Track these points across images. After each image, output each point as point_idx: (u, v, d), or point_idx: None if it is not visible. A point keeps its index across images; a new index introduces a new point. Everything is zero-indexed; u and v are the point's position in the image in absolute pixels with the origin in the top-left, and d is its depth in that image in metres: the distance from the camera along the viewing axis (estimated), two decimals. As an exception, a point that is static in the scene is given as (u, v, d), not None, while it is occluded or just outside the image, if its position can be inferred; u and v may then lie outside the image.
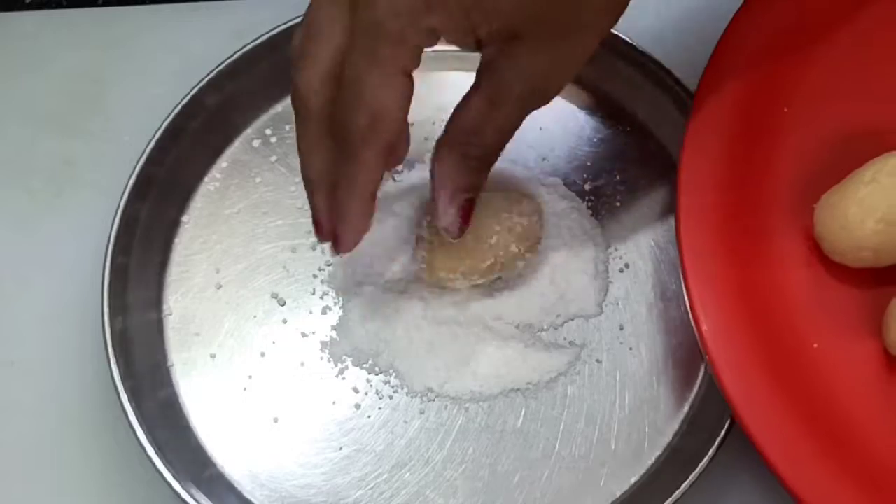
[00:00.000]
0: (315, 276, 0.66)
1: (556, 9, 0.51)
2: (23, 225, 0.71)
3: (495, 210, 0.62)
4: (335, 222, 0.58)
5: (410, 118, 0.68)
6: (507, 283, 0.65)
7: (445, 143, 0.56)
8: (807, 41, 0.64)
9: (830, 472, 0.56)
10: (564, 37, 0.53)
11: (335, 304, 0.66)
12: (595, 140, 0.69)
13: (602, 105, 0.70)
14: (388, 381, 0.64)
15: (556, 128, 0.69)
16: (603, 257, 0.66)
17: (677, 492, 0.58)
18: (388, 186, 0.67)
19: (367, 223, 0.58)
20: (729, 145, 0.61)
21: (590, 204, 0.67)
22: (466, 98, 0.55)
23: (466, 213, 0.58)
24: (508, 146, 0.59)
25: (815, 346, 0.59)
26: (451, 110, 0.55)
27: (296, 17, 0.69)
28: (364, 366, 0.64)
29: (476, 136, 0.55)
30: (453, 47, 0.69)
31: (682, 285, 0.59)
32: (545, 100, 0.55)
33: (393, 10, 0.50)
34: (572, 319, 0.65)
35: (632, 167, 0.68)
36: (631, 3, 0.54)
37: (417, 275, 0.64)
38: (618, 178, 0.68)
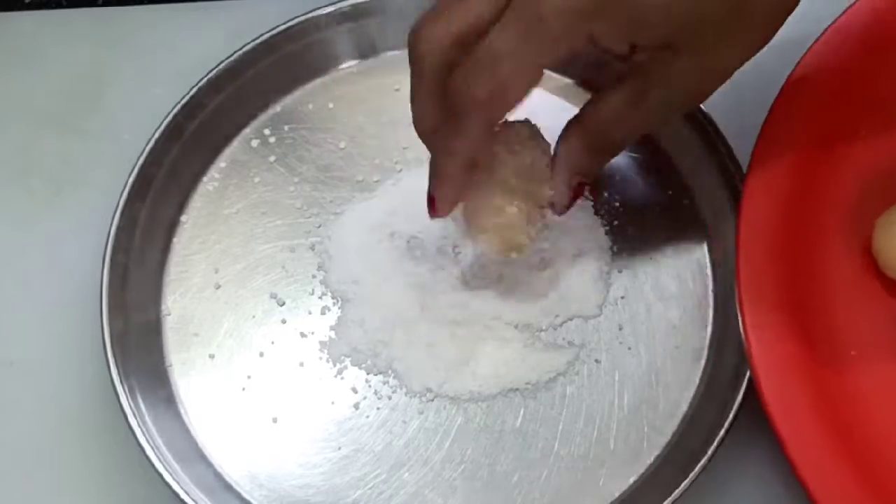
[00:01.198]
0: (314, 277, 0.66)
1: (716, 24, 0.52)
2: (22, 225, 0.71)
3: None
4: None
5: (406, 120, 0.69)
6: (508, 283, 0.65)
7: (576, 127, 0.57)
8: (875, 68, 0.64)
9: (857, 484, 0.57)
10: (718, 49, 0.53)
11: (334, 304, 0.66)
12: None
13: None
14: (387, 382, 0.64)
15: (557, 128, 0.69)
16: (603, 258, 0.66)
17: (676, 492, 0.58)
18: (383, 195, 0.68)
19: (459, 191, 0.58)
20: (795, 162, 0.62)
21: (590, 204, 0.67)
22: (608, 91, 0.55)
23: (576, 195, 0.60)
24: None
25: (853, 352, 0.60)
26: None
27: (295, 18, 0.70)
28: (363, 366, 0.64)
29: (609, 131, 0.56)
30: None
31: (736, 300, 0.59)
32: (688, 108, 0.57)
33: (559, 8, 0.50)
34: (571, 319, 0.65)
35: (631, 167, 0.68)
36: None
37: (418, 283, 0.65)
38: (617, 178, 0.68)
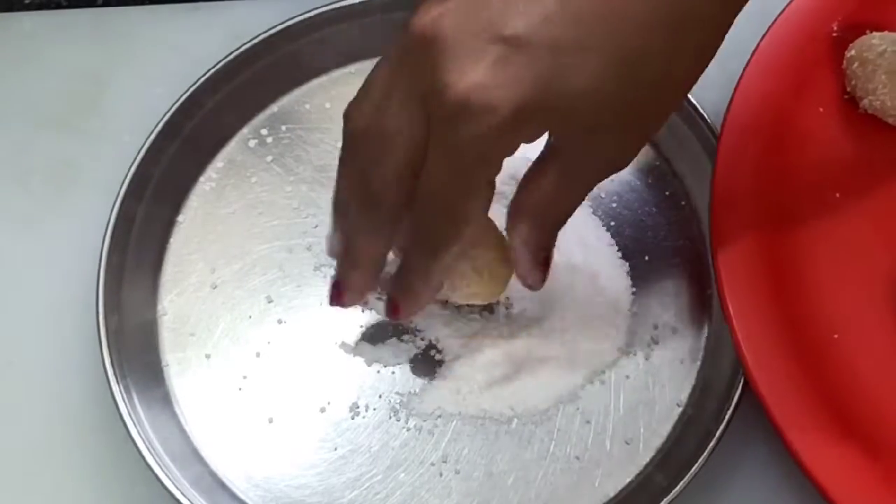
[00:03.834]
0: (311, 277, 0.66)
1: (635, 106, 0.51)
2: (22, 225, 0.71)
3: None
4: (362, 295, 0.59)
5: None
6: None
7: (521, 213, 0.56)
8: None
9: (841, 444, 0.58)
10: (642, 123, 0.53)
11: (331, 304, 0.65)
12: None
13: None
14: (384, 381, 0.64)
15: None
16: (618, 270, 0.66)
17: (672, 492, 0.58)
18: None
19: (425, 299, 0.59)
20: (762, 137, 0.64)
21: (588, 204, 0.67)
22: (538, 171, 0.54)
23: (546, 266, 0.58)
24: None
25: (836, 336, 0.61)
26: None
27: (293, 18, 0.70)
28: (360, 366, 0.64)
29: (551, 208, 0.55)
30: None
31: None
32: (618, 170, 0.55)
33: (479, 133, 0.49)
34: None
35: (629, 169, 0.67)
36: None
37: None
38: (615, 180, 0.67)
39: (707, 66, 0.51)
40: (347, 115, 0.54)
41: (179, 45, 0.75)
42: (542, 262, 0.58)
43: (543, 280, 0.59)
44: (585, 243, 0.66)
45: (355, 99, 0.54)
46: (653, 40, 0.48)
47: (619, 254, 0.66)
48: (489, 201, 0.53)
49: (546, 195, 0.54)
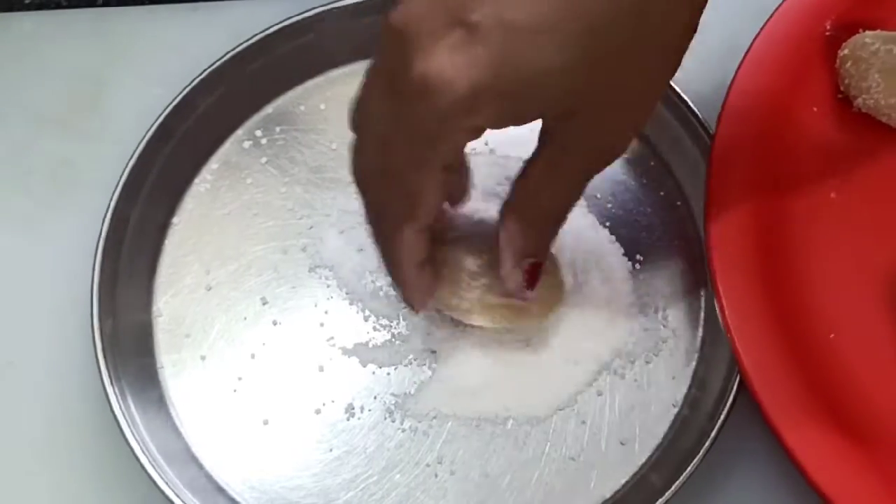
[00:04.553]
0: (305, 278, 0.66)
1: (610, 86, 0.50)
2: (21, 225, 0.71)
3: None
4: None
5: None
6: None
7: (509, 208, 0.56)
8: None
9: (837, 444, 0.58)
10: (622, 107, 0.52)
11: (325, 305, 0.66)
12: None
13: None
14: (379, 382, 0.64)
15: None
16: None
17: (668, 493, 0.58)
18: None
19: (425, 285, 0.59)
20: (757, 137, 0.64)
21: (585, 208, 0.67)
22: (528, 163, 0.54)
23: (532, 277, 0.58)
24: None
25: (832, 335, 0.61)
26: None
27: (289, 18, 0.70)
28: (355, 368, 0.64)
29: (537, 201, 0.55)
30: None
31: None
32: (606, 164, 0.54)
33: (435, 112, 0.49)
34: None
35: (624, 169, 0.68)
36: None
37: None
38: (610, 180, 0.67)
39: (689, 39, 0.51)
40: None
41: (179, 45, 0.75)
42: (528, 269, 0.57)
43: (525, 289, 0.58)
44: (582, 243, 0.66)
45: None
46: (618, 9, 0.48)
47: (616, 255, 0.66)
48: (443, 188, 0.53)
49: (533, 187, 0.54)
